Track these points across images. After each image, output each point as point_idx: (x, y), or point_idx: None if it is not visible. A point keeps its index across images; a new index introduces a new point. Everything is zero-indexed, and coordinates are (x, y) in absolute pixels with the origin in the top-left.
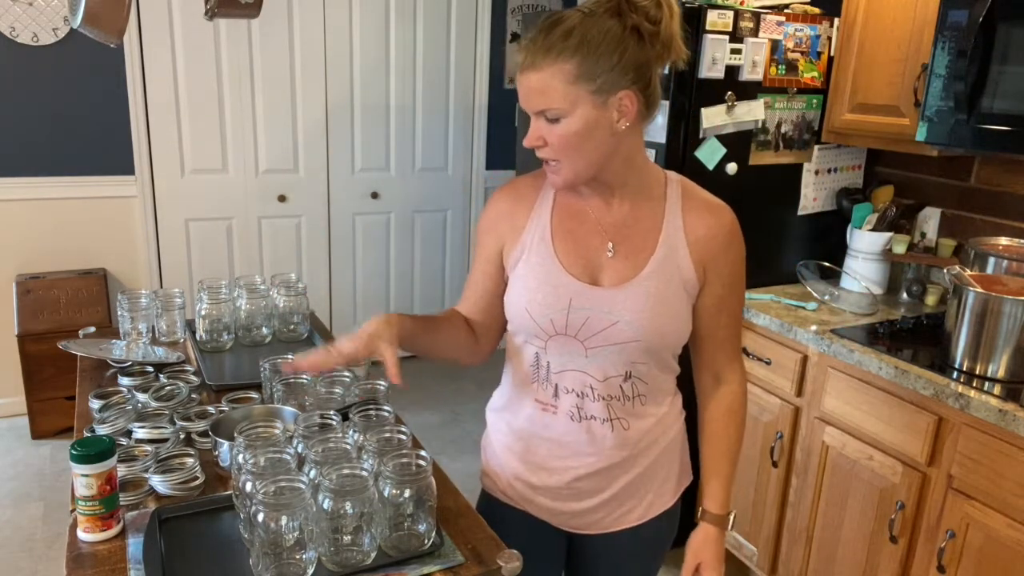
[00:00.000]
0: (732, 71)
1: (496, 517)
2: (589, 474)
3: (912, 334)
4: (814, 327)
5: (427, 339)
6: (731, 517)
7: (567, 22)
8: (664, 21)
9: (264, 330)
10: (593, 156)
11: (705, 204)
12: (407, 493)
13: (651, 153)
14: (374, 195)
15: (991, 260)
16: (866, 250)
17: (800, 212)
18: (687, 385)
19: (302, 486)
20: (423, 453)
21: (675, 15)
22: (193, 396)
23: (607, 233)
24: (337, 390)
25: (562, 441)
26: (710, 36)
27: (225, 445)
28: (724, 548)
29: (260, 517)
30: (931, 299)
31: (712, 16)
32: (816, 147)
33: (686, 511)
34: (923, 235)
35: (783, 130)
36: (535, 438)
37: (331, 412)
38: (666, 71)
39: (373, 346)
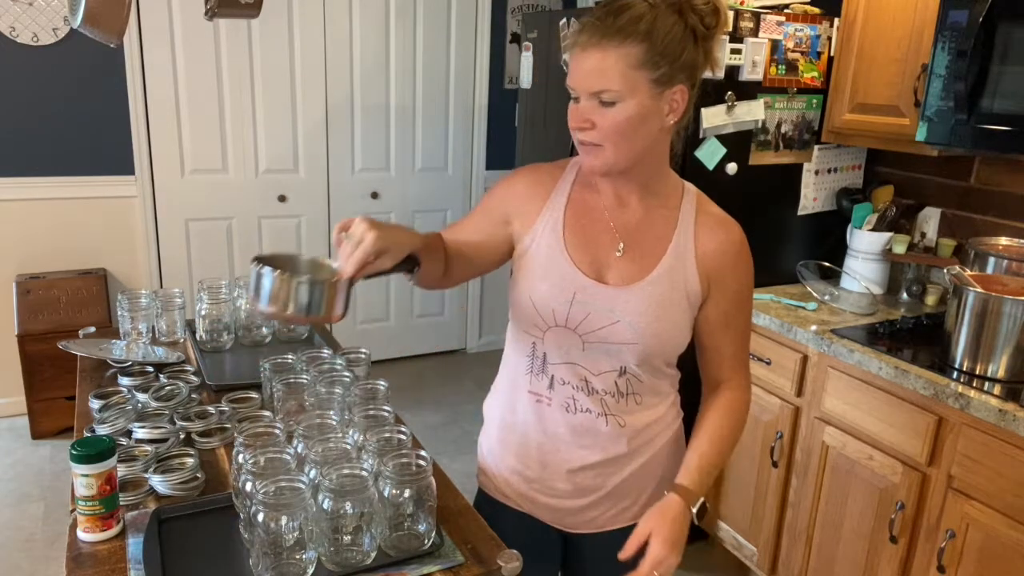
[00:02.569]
0: (732, 71)
1: (492, 516)
2: (583, 467)
3: (912, 334)
4: (814, 327)
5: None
6: (699, 503)
7: (635, 9)
8: (716, 29)
9: (264, 330)
10: (638, 146)
11: (717, 219)
12: (407, 493)
13: None
14: (374, 195)
15: (991, 260)
16: (866, 250)
17: (800, 212)
18: (687, 390)
19: (302, 486)
20: (423, 453)
21: (724, 27)
22: (193, 396)
23: (618, 233)
24: (337, 390)
25: (556, 433)
26: None
27: (268, 274)
28: (685, 531)
29: (260, 517)
30: (931, 299)
31: None
32: (816, 147)
33: None
34: (923, 235)
35: (783, 130)
36: (530, 430)
37: (331, 412)
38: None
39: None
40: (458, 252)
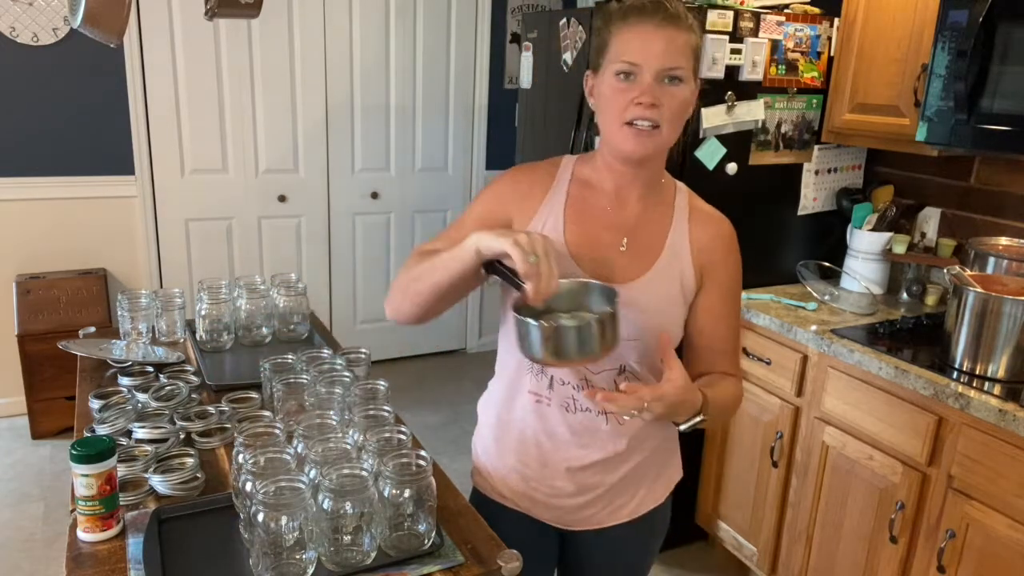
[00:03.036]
0: (732, 71)
1: (488, 516)
2: (583, 467)
3: (912, 334)
4: (814, 327)
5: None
6: (702, 417)
7: (681, 5)
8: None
9: (264, 330)
10: (680, 130)
11: (708, 214)
12: (407, 493)
13: None
14: (374, 195)
15: (991, 260)
16: (866, 250)
17: (800, 212)
18: None
19: (302, 486)
20: (423, 453)
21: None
22: (193, 396)
23: (619, 230)
24: (337, 390)
25: (555, 432)
26: (710, 36)
27: (534, 328)
28: (688, 405)
29: (260, 517)
30: (931, 299)
31: (712, 16)
32: (816, 147)
33: (677, 511)
34: (923, 235)
35: (783, 130)
36: (528, 430)
37: (331, 412)
38: None
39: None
40: None
